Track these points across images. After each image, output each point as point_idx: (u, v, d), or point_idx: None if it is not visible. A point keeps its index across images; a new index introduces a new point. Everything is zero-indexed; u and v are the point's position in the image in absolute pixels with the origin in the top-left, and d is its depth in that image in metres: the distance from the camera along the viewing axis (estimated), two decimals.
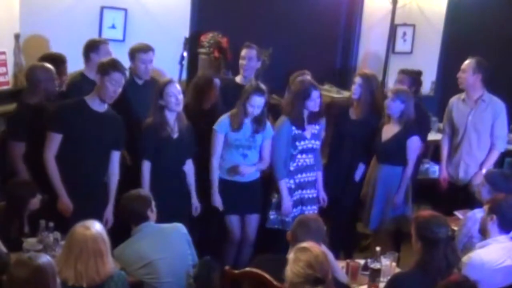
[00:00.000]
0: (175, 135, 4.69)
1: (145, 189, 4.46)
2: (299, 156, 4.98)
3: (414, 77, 5.71)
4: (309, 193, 5.08)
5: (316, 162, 5.11)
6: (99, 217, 4.14)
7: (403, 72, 5.70)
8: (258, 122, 4.83)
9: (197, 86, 5.17)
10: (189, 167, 4.81)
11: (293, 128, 4.92)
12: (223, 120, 4.84)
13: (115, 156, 4.49)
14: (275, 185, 4.97)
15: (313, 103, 4.89)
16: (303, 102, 4.89)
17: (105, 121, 4.38)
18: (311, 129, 4.99)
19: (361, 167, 5.31)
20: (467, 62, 5.35)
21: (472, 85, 5.35)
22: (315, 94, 4.89)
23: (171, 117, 4.66)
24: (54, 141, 4.27)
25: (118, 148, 4.51)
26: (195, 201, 4.84)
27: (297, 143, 4.94)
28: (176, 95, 4.60)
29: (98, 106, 4.34)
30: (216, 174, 4.86)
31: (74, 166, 4.32)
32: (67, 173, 4.30)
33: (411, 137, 5.03)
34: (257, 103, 4.75)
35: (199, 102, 5.10)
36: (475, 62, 5.31)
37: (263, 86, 4.80)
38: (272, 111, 5.30)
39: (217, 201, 4.87)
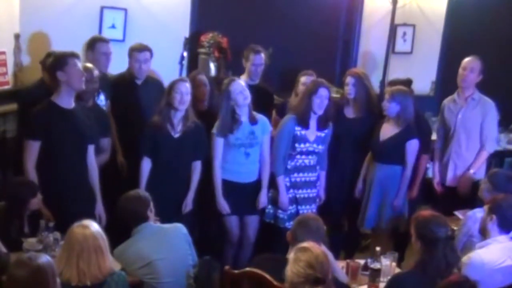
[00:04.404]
0: (177, 135, 4.68)
1: (142, 185, 4.51)
2: (298, 156, 4.96)
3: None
4: (305, 193, 5.02)
5: (320, 162, 5.07)
6: (91, 216, 4.14)
7: (392, 83, 5.40)
8: (250, 114, 4.80)
9: None
10: (194, 169, 4.78)
11: (297, 128, 4.90)
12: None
13: (91, 150, 4.46)
14: (273, 181, 4.95)
15: (319, 101, 4.83)
16: (310, 98, 4.85)
17: (77, 116, 4.32)
18: (316, 133, 4.96)
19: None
20: (473, 60, 5.26)
21: (471, 85, 5.30)
22: (322, 91, 4.84)
23: (176, 116, 4.66)
24: (33, 149, 4.22)
25: (92, 142, 4.46)
26: (188, 200, 4.78)
27: (296, 145, 4.90)
28: (182, 93, 4.60)
29: (67, 103, 4.27)
30: (219, 178, 4.83)
31: (58, 169, 4.28)
32: (52, 178, 4.27)
33: (410, 139, 5.00)
34: (238, 87, 4.73)
35: (192, 103, 5.09)
36: (480, 63, 5.25)
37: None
38: (279, 109, 5.31)
39: (222, 205, 4.84)
